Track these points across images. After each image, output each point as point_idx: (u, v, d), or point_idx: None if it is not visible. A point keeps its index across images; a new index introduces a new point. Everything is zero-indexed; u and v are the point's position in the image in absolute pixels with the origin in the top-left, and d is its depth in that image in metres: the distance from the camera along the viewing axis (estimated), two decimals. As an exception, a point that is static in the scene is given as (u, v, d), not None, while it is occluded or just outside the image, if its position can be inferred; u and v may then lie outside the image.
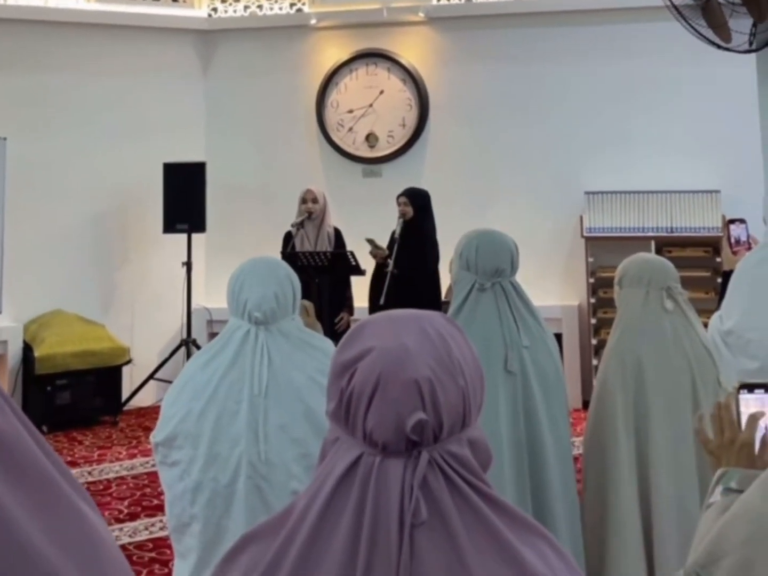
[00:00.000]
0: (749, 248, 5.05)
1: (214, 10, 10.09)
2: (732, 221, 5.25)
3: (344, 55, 9.93)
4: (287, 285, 3.19)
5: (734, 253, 5.12)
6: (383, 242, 7.78)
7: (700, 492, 3.57)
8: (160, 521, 6.09)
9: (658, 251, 8.37)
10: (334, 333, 7.28)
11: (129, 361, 8.94)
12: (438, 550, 1.31)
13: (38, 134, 9.17)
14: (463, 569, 1.30)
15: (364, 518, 1.33)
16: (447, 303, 7.23)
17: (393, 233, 7.68)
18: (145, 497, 6.70)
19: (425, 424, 1.35)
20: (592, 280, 8.88)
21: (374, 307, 7.61)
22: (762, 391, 2.16)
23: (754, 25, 3.80)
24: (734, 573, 1.54)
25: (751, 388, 2.17)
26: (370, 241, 7.67)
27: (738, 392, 2.16)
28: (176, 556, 3.17)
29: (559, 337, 8.52)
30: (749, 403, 2.14)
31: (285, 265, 3.33)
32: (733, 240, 5.18)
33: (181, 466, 3.06)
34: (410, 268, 7.42)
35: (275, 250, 7.58)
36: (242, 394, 3.03)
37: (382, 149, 9.83)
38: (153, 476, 7.10)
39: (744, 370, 4.53)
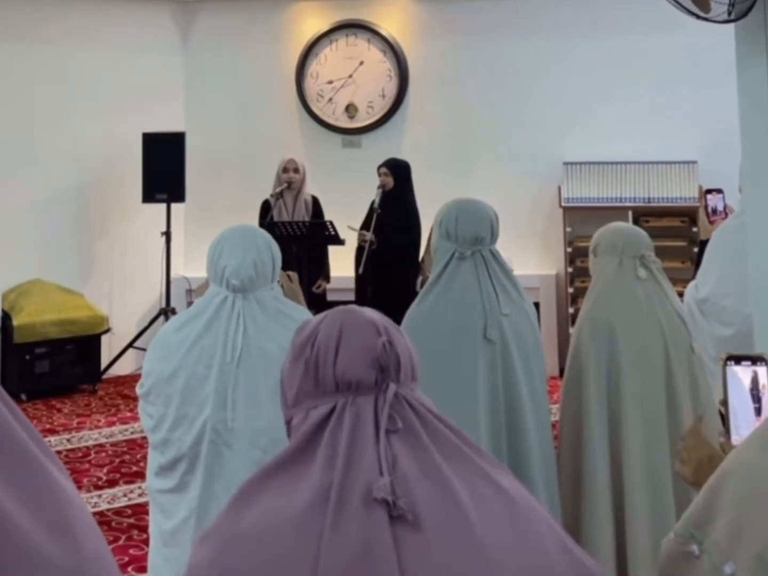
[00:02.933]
0: (726, 218, 5.10)
1: (194, -21, 10.04)
2: (709, 191, 5.29)
3: (324, 26, 9.89)
4: (266, 253, 3.19)
5: (711, 222, 5.17)
6: (363, 212, 7.79)
7: (671, 459, 3.61)
8: (139, 488, 6.11)
9: (636, 221, 8.41)
10: (311, 301, 7.30)
11: (108, 330, 8.93)
12: (413, 455, 1.48)
13: (17, 104, 9.11)
14: (438, 471, 1.46)
15: (342, 432, 1.48)
16: (423, 272, 7.28)
17: (372, 203, 7.69)
18: (123, 464, 6.72)
19: (389, 346, 1.56)
20: (569, 250, 8.92)
21: (355, 276, 7.65)
22: (749, 363, 2.17)
23: (733, -5, 3.80)
24: (730, 532, 1.54)
25: (738, 360, 2.18)
26: (353, 228, 7.69)
27: (725, 364, 2.17)
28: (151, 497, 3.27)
29: (536, 306, 8.55)
30: (737, 375, 2.16)
31: (265, 233, 3.33)
32: (710, 210, 5.22)
33: (154, 420, 3.12)
34: (390, 238, 7.45)
35: (254, 220, 7.60)
36: (213, 359, 3.05)
37: (362, 120, 9.82)
38: (132, 443, 7.13)
39: (719, 336, 4.59)
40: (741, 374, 2.16)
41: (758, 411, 2.14)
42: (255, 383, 3.04)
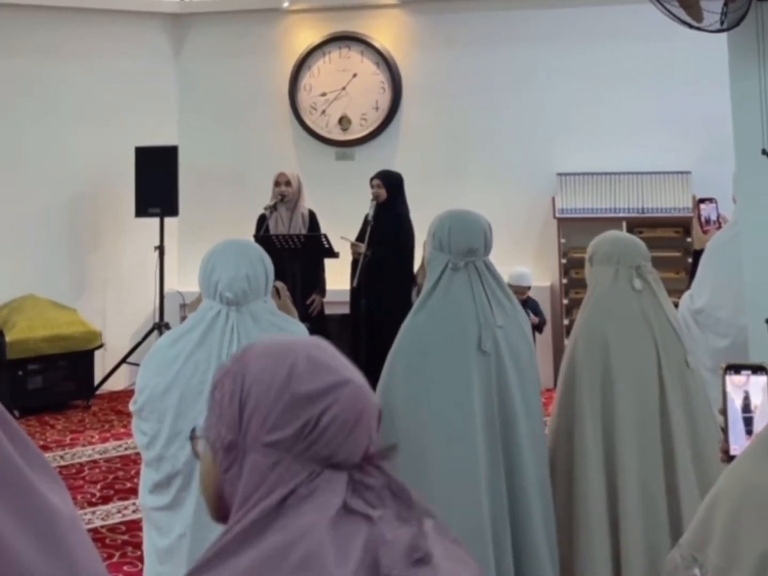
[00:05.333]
0: (719, 227, 5.09)
1: (186, -7, 10.04)
2: (702, 201, 5.28)
3: (317, 39, 9.89)
4: (259, 266, 3.18)
5: (705, 232, 5.15)
6: (356, 225, 7.78)
7: (665, 472, 3.59)
8: (133, 504, 6.07)
9: (630, 231, 8.26)
10: (306, 316, 7.28)
11: (101, 346, 8.89)
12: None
13: (9, 118, 9.10)
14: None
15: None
16: (418, 285, 7.26)
17: (366, 216, 7.68)
18: (117, 480, 6.68)
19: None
20: (564, 261, 8.91)
21: (350, 289, 7.63)
22: (749, 372, 2.15)
23: (726, 4, 3.81)
24: (726, 551, 1.53)
25: (737, 369, 2.15)
26: (346, 239, 7.68)
27: (725, 373, 2.14)
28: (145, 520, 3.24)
29: (531, 318, 8.59)
30: (736, 385, 2.14)
31: (257, 246, 3.32)
32: (703, 219, 5.21)
33: (148, 437, 3.10)
34: (384, 250, 7.43)
35: (248, 234, 7.56)
36: (207, 374, 3.02)
37: (355, 132, 9.81)
38: (125, 459, 7.09)
39: (714, 348, 4.57)
40: (739, 384, 2.14)
41: (749, 424, 2.13)
42: None
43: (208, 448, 1.50)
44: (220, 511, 1.51)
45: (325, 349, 1.54)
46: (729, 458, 2.08)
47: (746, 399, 2.13)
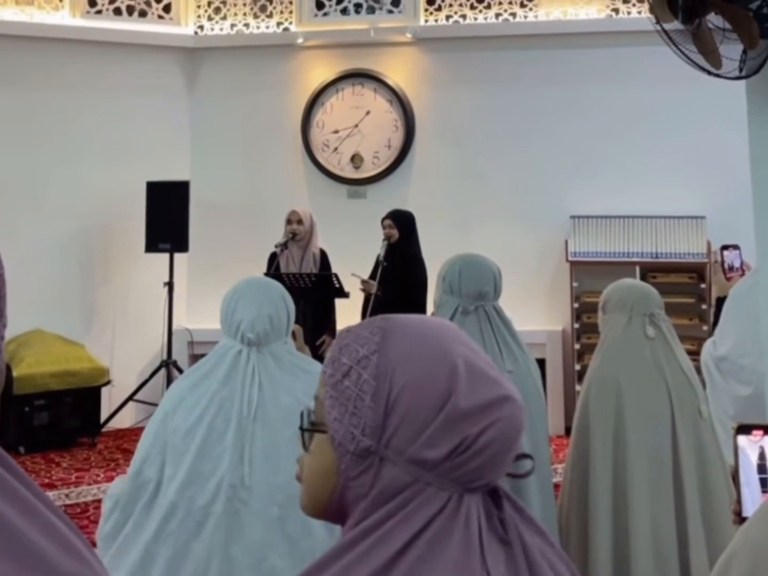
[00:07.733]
0: (743, 274, 5.04)
1: (201, 27, 10.05)
2: (726, 247, 5.24)
3: (330, 75, 9.89)
4: (281, 307, 3.16)
5: (728, 279, 5.11)
6: (368, 264, 7.73)
7: (676, 520, 3.57)
8: (138, 546, 5.99)
9: (643, 277, 8.33)
10: (316, 357, 7.22)
11: (108, 382, 8.82)
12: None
13: (20, 151, 9.11)
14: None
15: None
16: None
17: (378, 257, 7.64)
18: (122, 521, 6.59)
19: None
20: (576, 305, 8.83)
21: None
22: (761, 432, 2.07)
23: (745, 51, 3.75)
24: None
25: (748, 429, 2.07)
26: (357, 276, 7.63)
27: (736, 434, 2.06)
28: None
29: (542, 362, 8.51)
30: (748, 445, 2.06)
31: (279, 286, 3.30)
32: (726, 266, 5.17)
33: (151, 485, 3.00)
34: (396, 290, 7.38)
35: (259, 271, 7.51)
36: (231, 414, 3.00)
37: (368, 170, 9.78)
38: (131, 499, 7.00)
39: (737, 396, 4.51)
40: (755, 440, 2.06)
41: (764, 483, 2.06)
42: (272, 438, 2.99)
43: (329, 444, 1.32)
44: (329, 512, 1.36)
45: (477, 351, 1.41)
46: (742, 520, 2.02)
47: (762, 458, 2.05)
